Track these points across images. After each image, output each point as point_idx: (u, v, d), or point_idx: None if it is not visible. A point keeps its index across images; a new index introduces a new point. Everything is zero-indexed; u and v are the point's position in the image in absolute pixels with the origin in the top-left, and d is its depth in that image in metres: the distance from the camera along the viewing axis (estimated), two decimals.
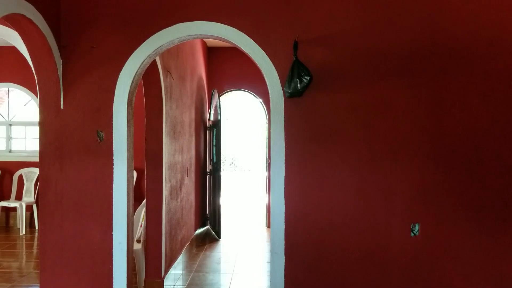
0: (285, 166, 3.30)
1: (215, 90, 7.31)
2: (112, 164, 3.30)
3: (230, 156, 14.22)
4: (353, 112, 3.30)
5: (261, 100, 8.03)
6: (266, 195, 8.18)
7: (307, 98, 3.28)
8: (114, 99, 3.31)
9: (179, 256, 5.30)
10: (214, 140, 7.42)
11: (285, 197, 3.30)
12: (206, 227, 7.73)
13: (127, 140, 3.32)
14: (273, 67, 3.29)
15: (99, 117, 3.33)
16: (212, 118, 7.62)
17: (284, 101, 3.29)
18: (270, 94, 3.32)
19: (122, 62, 3.31)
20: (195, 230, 6.68)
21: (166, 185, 4.57)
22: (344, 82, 3.30)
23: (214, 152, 7.42)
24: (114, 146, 3.31)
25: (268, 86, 3.32)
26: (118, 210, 3.30)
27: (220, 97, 7.98)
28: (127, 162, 3.32)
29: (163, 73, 4.41)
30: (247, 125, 14.67)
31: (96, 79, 3.33)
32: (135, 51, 3.31)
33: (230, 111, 14.61)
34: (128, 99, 3.32)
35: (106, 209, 3.31)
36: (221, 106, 7.28)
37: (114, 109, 3.31)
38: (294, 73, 3.16)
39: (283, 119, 3.29)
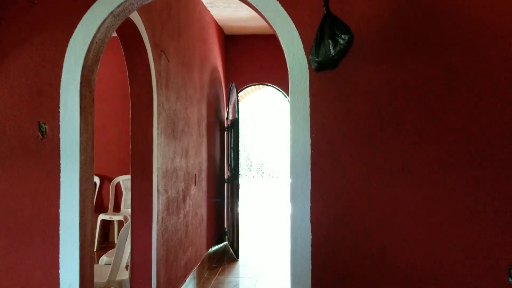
0: (311, 174, 2.19)
1: (233, 84, 6.26)
2: (59, 171, 2.28)
3: (257, 161, 13.13)
4: (416, 93, 2.15)
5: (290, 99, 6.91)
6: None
7: (345, 71, 2.16)
8: (62, 76, 2.29)
9: (182, 286, 4.25)
10: (232, 142, 6.37)
11: (312, 220, 2.18)
12: (224, 243, 6.67)
13: (81, 137, 2.29)
14: (293, 25, 2.18)
15: (41, 103, 2.31)
16: (230, 117, 6.56)
17: (310, 76, 2.18)
18: (288, 67, 2.21)
19: (73, 24, 2.29)
20: (209, 248, 5.62)
21: (159, 198, 3.53)
22: (402, 48, 2.16)
23: (232, 156, 6.36)
24: (61, 145, 2.28)
25: (285, 55, 2.22)
26: (68, 238, 2.27)
27: (240, 93, 6.95)
28: (81, 168, 2.28)
29: (153, 52, 3.38)
30: (275, 126, 13.49)
31: (38, 48, 2.32)
32: (90, 8, 2.28)
33: (256, 110, 13.52)
34: (82, 76, 2.29)
35: (51, 236, 2.28)
36: (238, 103, 6.21)
37: (61, 91, 2.28)
38: (324, 32, 2.05)
39: (308, 103, 2.18)
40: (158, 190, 3.50)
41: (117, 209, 6.38)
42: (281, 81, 6.84)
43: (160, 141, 3.55)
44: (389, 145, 2.15)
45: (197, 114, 4.92)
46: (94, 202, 2.40)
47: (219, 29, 6.44)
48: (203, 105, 5.26)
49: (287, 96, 6.91)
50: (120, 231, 3.57)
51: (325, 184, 2.20)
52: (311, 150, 2.18)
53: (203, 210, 5.25)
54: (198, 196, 4.96)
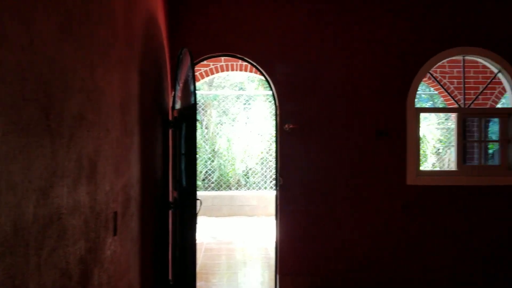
0: None
1: (184, 49, 3.80)
2: None
3: (204, 169, 10.59)
4: None
5: (270, 81, 4.52)
6: (275, 228, 4.66)
7: None
8: None
9: None
10: (183, 145, 3.89)
11: None
12: None
13: None
14: None
15: None
16: (178, 105, 4.09)
17: None
18: None
19: None
20: None
21: None
22: None
23: (183, 167, 3.87)
24: None
25: None
26: None
27: (196, 66, 4.50)
28: None
29: None
30: (236, 121, 10.66)
31: None
32: None
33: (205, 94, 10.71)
34: None
35: None
36: (195, 81, 3.73)
37: None
38: None
39: None
40: None
41: None
42: (263, 51, 4.48)
43: None
44: None
45: (120, 88, 2.42)
46: None
47: None
48: (133, 75, 2.77)
49: (268, 78, 4.55)
50: None
51: None
52: None
53: (133, 276, 2.74)
54: (122, 254, 2.45)
